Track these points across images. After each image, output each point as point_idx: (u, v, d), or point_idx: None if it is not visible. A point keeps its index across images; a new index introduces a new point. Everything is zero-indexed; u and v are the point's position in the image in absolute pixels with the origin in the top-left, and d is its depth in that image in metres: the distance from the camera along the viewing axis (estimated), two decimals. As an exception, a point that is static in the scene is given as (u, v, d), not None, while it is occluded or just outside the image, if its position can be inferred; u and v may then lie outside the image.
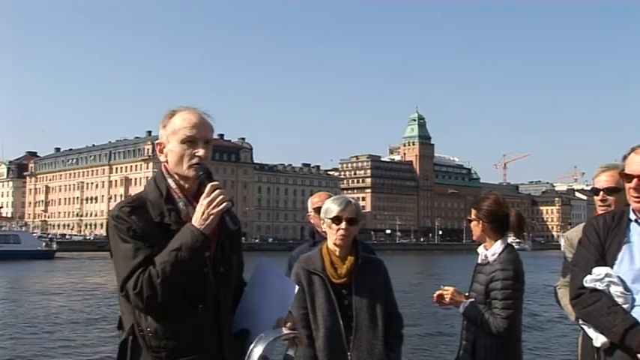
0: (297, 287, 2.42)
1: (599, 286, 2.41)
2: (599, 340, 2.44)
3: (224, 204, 2.09)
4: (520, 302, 3.34)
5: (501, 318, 3.22)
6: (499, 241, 3.40)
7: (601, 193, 3.34)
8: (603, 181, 3.35)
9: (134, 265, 2.04)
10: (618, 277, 2.40)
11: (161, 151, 2.26)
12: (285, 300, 2.29)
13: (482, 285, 3.34)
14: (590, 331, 2.50)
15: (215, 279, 2.17)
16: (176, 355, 2.09)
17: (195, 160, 2.18)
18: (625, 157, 2.55)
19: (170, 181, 2.21)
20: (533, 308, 19.91)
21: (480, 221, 3.43)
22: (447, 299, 3.46)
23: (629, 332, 2.29)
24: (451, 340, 12.68)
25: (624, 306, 2.37)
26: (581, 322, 2.58)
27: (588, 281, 2.44)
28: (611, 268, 2.44)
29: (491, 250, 3.38)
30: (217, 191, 2.09)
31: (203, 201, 2.09)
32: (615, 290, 2.39)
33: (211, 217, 2.08)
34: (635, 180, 2.43)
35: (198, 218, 2.08)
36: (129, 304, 2.09)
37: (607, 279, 2.40)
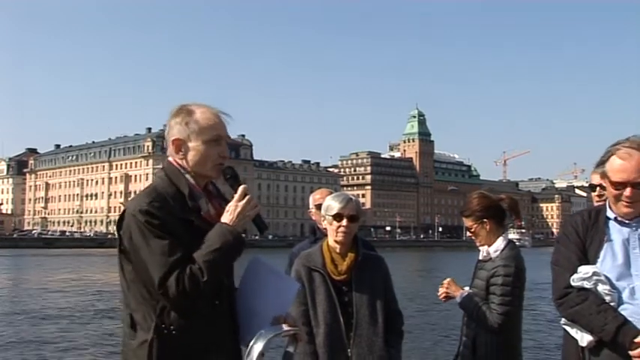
0: (298, 285, 2.42)
1: (587, 284, 2.41)
2: (584, 339, 2.44)
3: (257, 207, 2.20)
4: (520, 299, 3.35)
5: (497, 313, 3.23)
6: (501, 238, 3.41)
7: (598, 188, 3.33)
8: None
9: (172, 262, 2.02)
10: (604, 275, 2.41)
11: (179, 148, 2.21)
12: (285, 299, 2.29)
13: (484, 281, 3.35)
14: (573, 331, 2.50)
15: (227, 275, 2.22)
16: (199, 351, 2.10)
17: (219, 161, 2.23)
18: (603, 162, 2.51)
19: (188, 177, 2.19)
20: (532, 304, 19.94)
21: (483, 221, 3.42)
22: (443, 291, 3.49)
23: (621, 330, 2.31)
24: (451, 337, 12.71)
25: (612, 304, 2.38)
26: (563, 322, 2.57)
27: (576, 280, 2.43)
28: (594, 266, 2.45)
29: (493, 247, 3.38)
30: (249, 195, 2.18)
31: (238, 203, 2.15)
32: (603, 289, 2.40)
33: (246, 218, 2.15)
34: (629, 188, 2.41)
35: (233, 219, 2.13)
36: (148, 301, 2.07)
37: (595, 277, 2.41)
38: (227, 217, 2.14)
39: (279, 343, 2.24)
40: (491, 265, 3.35)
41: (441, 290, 3.53)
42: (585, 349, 2.46)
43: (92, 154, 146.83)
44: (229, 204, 2.18)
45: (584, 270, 2.43)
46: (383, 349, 2.99)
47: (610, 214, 2.53)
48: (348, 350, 2.97)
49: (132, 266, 2.11)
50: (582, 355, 2.48)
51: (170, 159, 2.25)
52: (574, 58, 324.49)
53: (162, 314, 2.06)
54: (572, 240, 2.54)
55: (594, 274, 2.41)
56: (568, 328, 2.55)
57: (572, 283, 2.44)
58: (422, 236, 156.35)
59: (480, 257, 3.47)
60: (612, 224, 2.51)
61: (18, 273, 39.57)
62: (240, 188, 2.19)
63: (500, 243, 3.39)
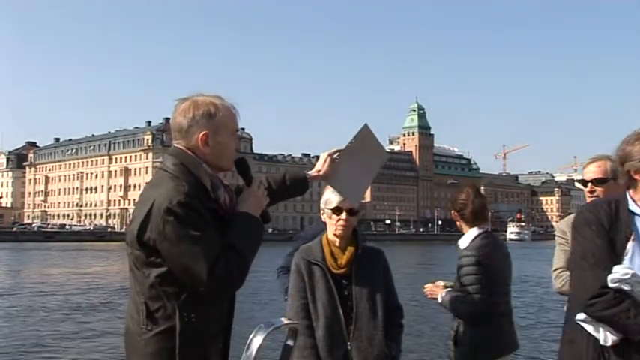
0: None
1: (625, 287, 2.24)
2: (608, 338, 2.30)
3: (267, 198, 2.31)
4: (490, 288, 3.34)
5: (465, 303, 3.33)
6: (474, 229, 3.47)
7: (589, 184, 3.27)
8: (591, 172, 3.28)
9: (216, 253, 2.03)
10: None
11: (206, 142, 2.17)
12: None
13: (455, 273, 3.47)
14: (593, 329, 2.34)
15: None
16: (211, 336, 2.14)
17: (235, 153, 2.26)
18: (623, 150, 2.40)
19: (206, 167, 2.18)
20: (524, 296, 19.99)
21: (462, 214, 3.54)
22: (428, 293, 3.60)
23: None
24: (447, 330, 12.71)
25: None
26: (580, 318, 2.39)
27: (613, 281, 2.26)
28: (620, 263, 2.29)
29: (462, 239, 3.52)
30: (262, 186, 2.31)
31: (254, 193, 2.25)
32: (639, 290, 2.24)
33: (262, 208, 2.26)
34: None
35: (253, 209, 2.22)
36: (170, 290, 2.06)
37: (633, 279, 2.24)
38: (247, 207, 2.20)
39: (279, 336, 2.24)
40: (459, 255, 3.46)
41: (426, 291, 3.66)
42: (609, 348, 2.31)
43: (92, 148, 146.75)
44: (244, 194, 2.25)
45: (622, 271, 2.26)
46: (383, 342, 2.99)
47: (635, 208, 2.35)
48: (348, 344, 2.96)
49: (154, 257, 2.06)
50: (605, 355, 2.33)
51: (180, 147, 2.19)
52: (574, 52, 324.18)
53: (185, 303, 2.06)
54: (598, 233, 2.34)
55: (633, 275, 2.24)
56: (586, 326, 2.38)
57: (610, 284, 2.26)
58: (421, 230, 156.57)
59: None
60: (638, 219, 2.34)
61: (18, 266, 39.60)
62: (256, 180, 2.29)
63: (470, 234, 3.45)
